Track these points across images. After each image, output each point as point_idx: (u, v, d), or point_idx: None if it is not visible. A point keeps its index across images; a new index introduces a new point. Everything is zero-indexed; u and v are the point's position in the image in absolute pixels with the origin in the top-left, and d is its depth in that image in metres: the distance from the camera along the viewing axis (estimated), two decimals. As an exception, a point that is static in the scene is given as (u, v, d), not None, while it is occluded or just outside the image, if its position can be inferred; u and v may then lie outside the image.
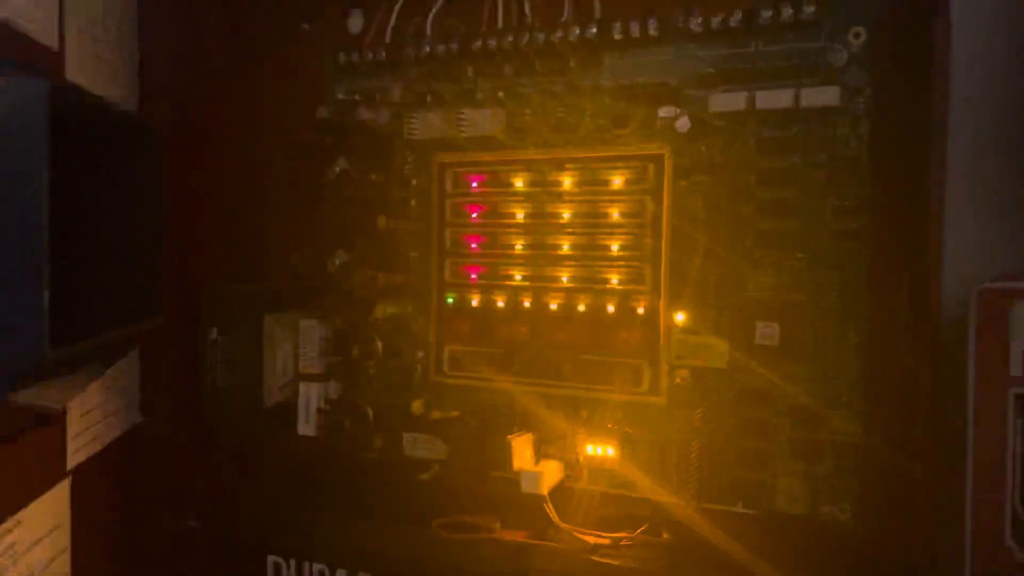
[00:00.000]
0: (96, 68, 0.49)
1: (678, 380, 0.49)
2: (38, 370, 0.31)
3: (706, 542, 0.50)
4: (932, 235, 0.39)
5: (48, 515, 0.44)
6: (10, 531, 0.39)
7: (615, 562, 0.48)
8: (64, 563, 0.45)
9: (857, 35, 0.44)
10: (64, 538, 0.45)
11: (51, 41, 0.44)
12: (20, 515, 0.40)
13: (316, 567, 0.54)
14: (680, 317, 0.49)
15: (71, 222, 0.32)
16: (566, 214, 0.52)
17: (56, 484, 0.45)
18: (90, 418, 0.49)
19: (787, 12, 0.45)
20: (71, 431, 0.46)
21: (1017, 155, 0.47)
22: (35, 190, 0.30)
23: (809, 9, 0.44)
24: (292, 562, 0.55)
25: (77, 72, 0.47)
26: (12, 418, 0.40)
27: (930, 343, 0.39)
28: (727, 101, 0.47)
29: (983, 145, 0.47)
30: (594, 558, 0.49)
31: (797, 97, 0.45)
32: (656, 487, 0.49)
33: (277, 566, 0.55)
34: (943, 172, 0.43)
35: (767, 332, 0.46)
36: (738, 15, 0.46)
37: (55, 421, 0.45)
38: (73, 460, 0.47)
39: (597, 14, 0.50)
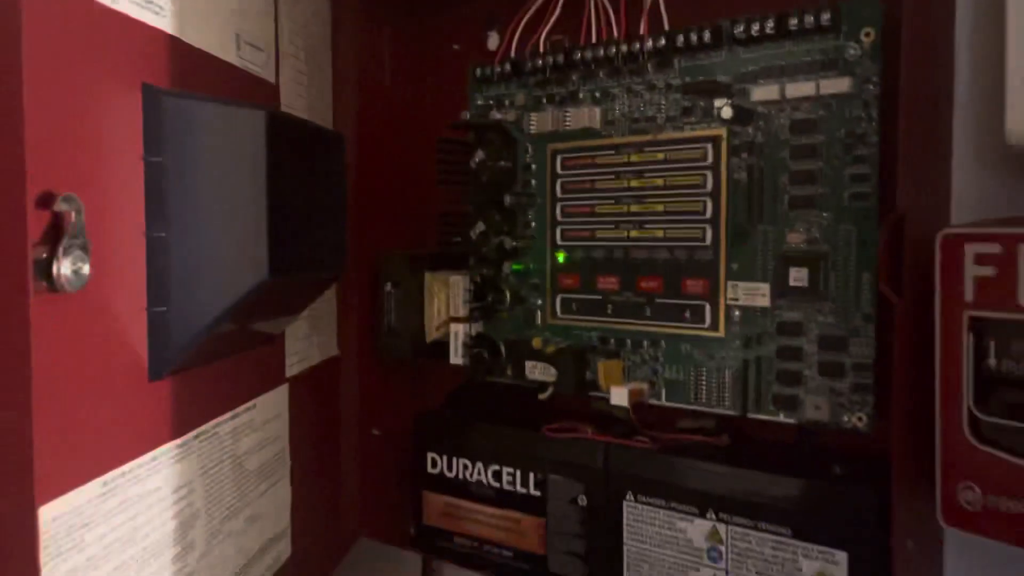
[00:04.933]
0: (301, 92, 0.68)
1: (733, 317, 0.61)
2: (262, 292, 0.49)
3: (756, 444, 0.62)
4: (901, 193, 0.49)
5: (273, 405, 0.63)
6: (249, 410, 0.59)
7: (680, 457, 0.62)
8: (285, 440, 0.65)
9: (867, 34, 0.55)
10: (285, 424, 0.65)
11: (271, 77, 0.63)
12: (255, 401, 0.60)
13: (461, 461, 0.72)
14: (734, 266, 0.61)
15: (282, 196, 0.50)
16: (647, 187, 0.65)
17: (278, 386, 0.65)
18: (301, 344, 0.68)
19: (809, 19, 0.56)
20: (288, 350, 0.66)
21: None
22: (258, 177, 0.48)
23: (825, 16, 0.55)
24: (444, 457, 0.73)
25: (289, 96, 0.66)
26: (249, 337, 0.59)
27: (908, 280, 0.49)
28: (764, 92, 0.58)
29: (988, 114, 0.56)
30: (664, 455, 0.62)
31: (818, 86, 0.56)
32: (717, 402, 0.62)
33: (434, 460, 0.73)
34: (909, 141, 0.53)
35: (799, 276, 0.58)
36: (770, 23, 0.57)
37: (276, 342, 0.64)
38: (290, 372, 0.66)
39: (666, 27, 0.62)
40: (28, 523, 0.36)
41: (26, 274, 0.35)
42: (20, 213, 0.36)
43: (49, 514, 0.37)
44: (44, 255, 0.37)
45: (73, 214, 0.38)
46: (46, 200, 0.37)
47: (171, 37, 0.48)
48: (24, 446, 0.36)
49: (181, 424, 0.50)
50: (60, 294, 0.37)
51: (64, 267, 0.37)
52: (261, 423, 0.61)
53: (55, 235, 0.37)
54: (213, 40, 0.53)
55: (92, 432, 0.41)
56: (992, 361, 0.47)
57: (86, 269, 0.38)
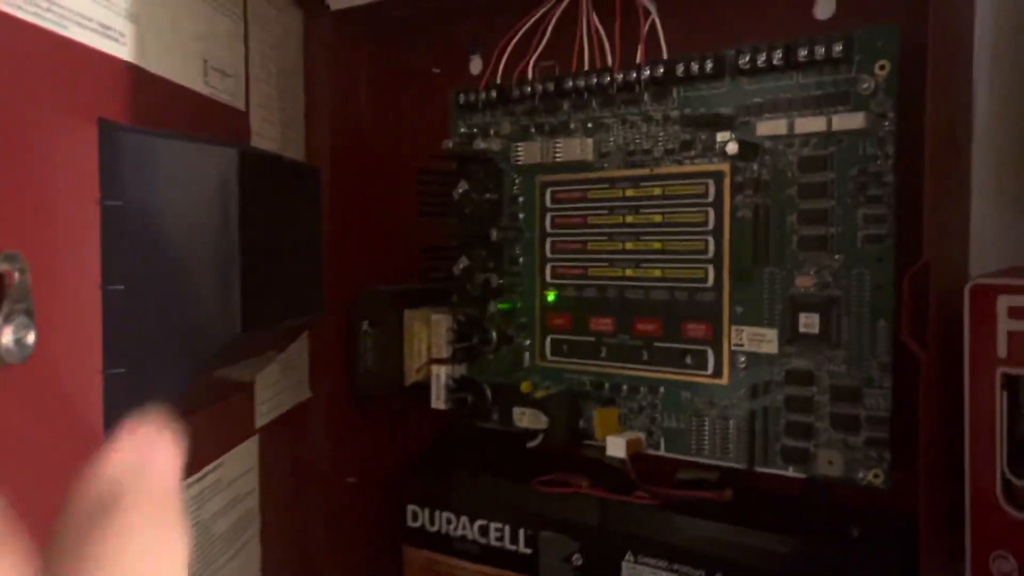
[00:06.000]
0: (272, 119, 0.63)
1: (737, 363, 0.58)
2: (234, 348, 0.45)
3: (763, 498, 0.59)
4: (927, 238, 0.45)
5: (243, 461, 0.58)
6: (216, 469, 0.54)
7: (683, 515, 0.58)
8: (254, 497, 0.60)
9: (882, 67, 0.51)
10: (254, 479, 0.60)
11: (240, 104, 0.58)
12: (223, 458, 0.55)
13: (444, 515, 0.67)
14: (738, 310, 0.57)
15: (256, 241, 0.46)
16: (643, 224, 0.61)
17: (248, 439, 0.59)
18: (272, 390, 0.63)
19: (819, 51, 0.52)
20: (258, 399, 0.61)
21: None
22: (231, 221, 0.43)
23: (837, 47, 0.52)
24: (426, 510, 0.68)
25: (260, 124, 0.61)
26: (216, 387, 0.54)
27: (933, 332, 0.46)
28: (771, 126, 0.55)
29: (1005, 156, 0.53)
30: (666, 511, 0.58)
31: (829, 122, 0.53)
32: (720, 454, 0.58)
33: (415, 513, 0.69)
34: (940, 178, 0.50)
35: (809, 322, 0.54)
36: (779, 54, 0.54)
37: (246, 391, 0.59)
38: (260, 421, 0.61)
39: (664, 55, 0.59)
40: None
41: (-41, 349, 0.30)
42: (-47, 277, 0.31)
43: (-14, 624, 0.32)
44: (-18, 323, 0.32)
45: (16, 274, 0.33)
46: (-16, 259, 0.32)
47: (132, 66, 0.43)
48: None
49: (141, 495, 0.45)
50: (1, 367, 0.32)
51: (6, 337, 0.32)
52: (229, 482, 0.56)
53: (-5, 299, 0.32)
54: (178, 67, 0.49)
55: (39, 517, 0.36)
56: (1028, 422, 0.44)
57: (31, 338, 0.33)
